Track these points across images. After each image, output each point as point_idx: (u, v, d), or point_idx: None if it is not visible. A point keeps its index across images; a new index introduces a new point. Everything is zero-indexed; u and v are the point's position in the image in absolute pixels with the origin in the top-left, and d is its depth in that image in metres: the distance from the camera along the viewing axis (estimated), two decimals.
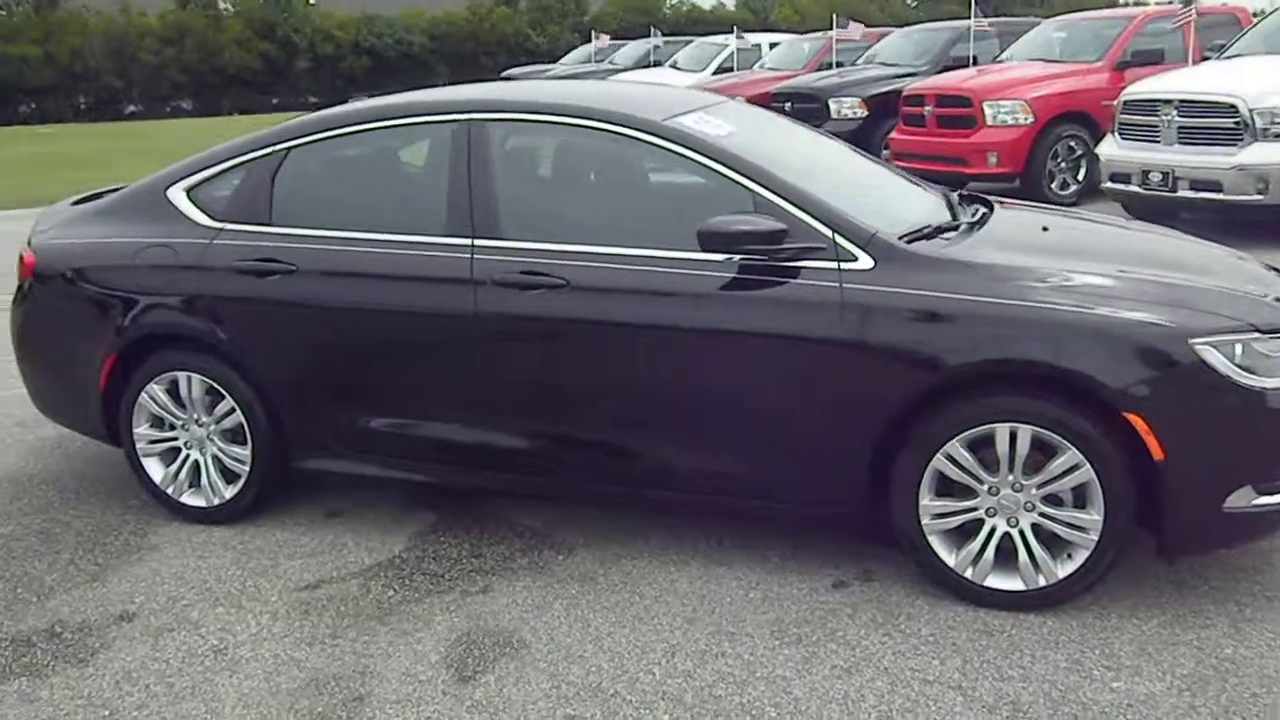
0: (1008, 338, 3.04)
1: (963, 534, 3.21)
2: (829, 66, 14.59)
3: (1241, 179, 7.86)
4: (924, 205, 3.79)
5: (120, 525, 4.02)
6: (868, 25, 16.32)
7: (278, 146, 3.84)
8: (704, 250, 3.23)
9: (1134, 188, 8.65)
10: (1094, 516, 3.04)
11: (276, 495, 4.02)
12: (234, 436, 3.89)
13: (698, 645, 3.09)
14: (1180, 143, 8.36)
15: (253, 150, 3.88)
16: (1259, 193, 7.84)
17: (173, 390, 3.91)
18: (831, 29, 15.50)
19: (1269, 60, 8.62)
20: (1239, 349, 2.97)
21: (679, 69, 18.14)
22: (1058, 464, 3.04)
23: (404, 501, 4.10)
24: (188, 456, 3.96)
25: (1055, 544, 3.14)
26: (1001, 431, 3.06)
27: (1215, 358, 2.94)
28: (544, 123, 3.72)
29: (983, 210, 3.79)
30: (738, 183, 3.32)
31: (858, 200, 3.45)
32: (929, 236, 3.35)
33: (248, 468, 3.87)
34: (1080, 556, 3.10)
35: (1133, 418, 2.95)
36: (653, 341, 3.35)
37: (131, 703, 2.93)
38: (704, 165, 3.38)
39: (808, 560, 3.53)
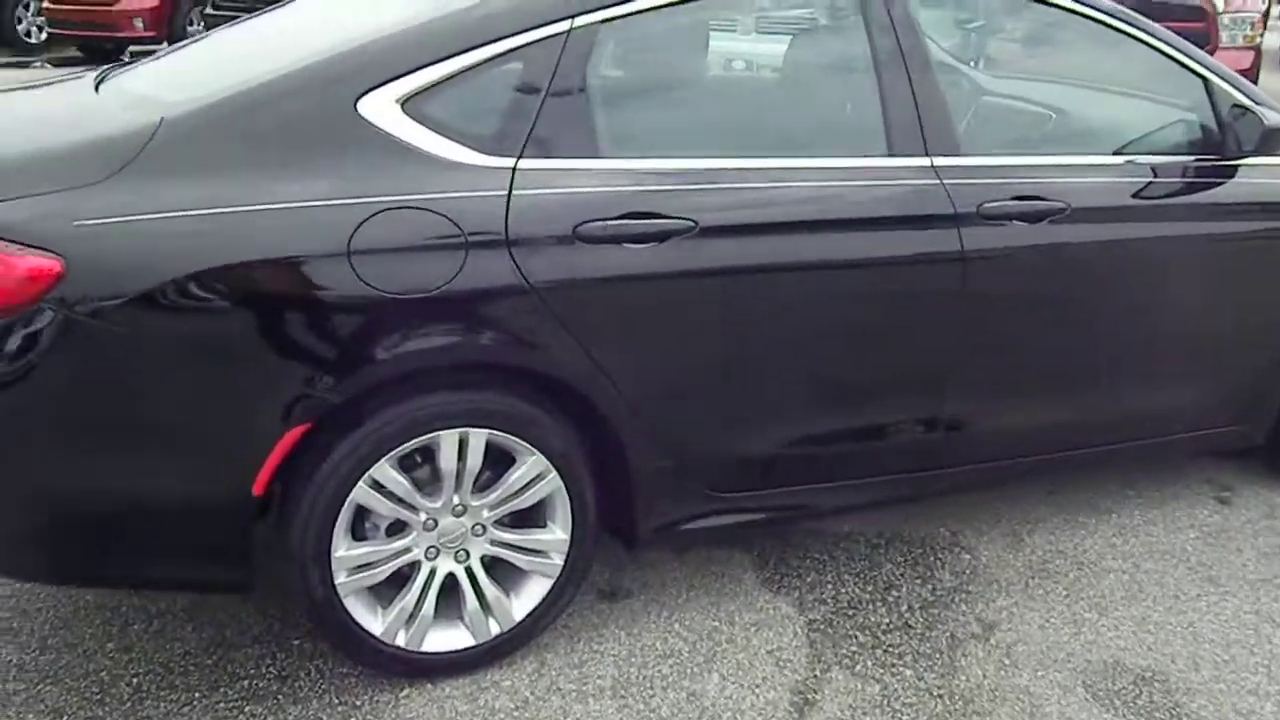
0: None
1: None
2: None
3: None
4: None
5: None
6: None
7: (575, 22, 2.20)
8: (1267, 152, 2.70)
9: None
10: None
11: None
12: (525, 518, 2.31)
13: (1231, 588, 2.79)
14: None
15: (515, 32, 2.16)
16: None
17: (412, 465, 2.17)
18: None
19: None
20: None
21: None
22: None
23: (654, 557, 2.81)
24: (433, 572, 2.26)
25: None
26: None
27: None
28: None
29: None
30: (1196, 72, 2.80)
31: None
32: None
33: (563, 559, 2.34)
34: None
35: None
36: (1161, 267, 2.75)
37: None
38: (1162, 52, 2.77)
39: (1172, 494, 3.26)
